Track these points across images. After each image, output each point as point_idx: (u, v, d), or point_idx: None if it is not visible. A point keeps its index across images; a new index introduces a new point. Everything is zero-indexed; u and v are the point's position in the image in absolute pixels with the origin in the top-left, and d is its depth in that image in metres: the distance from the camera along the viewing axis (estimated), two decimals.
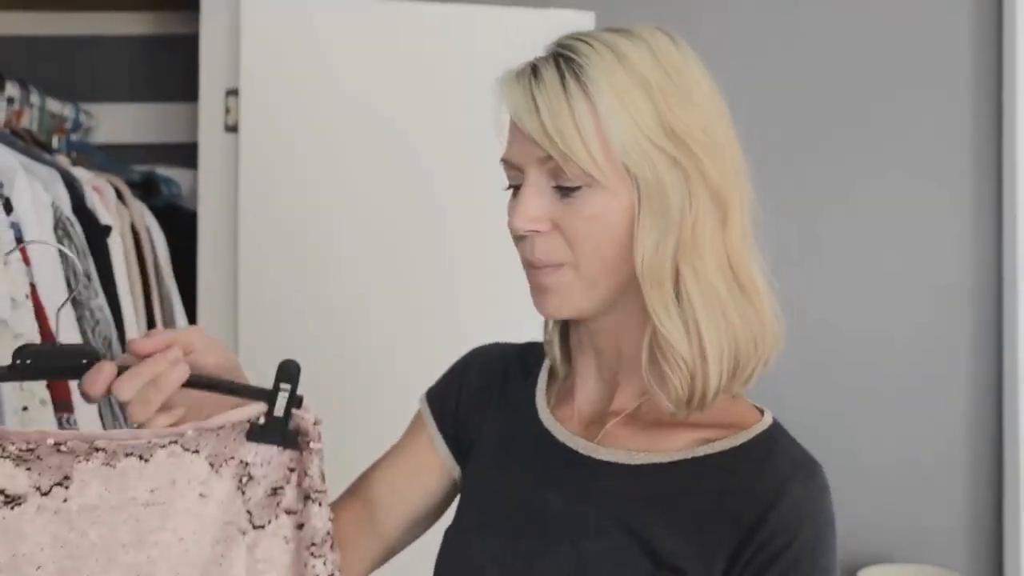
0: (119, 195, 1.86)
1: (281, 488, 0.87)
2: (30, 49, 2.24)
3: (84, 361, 0.83)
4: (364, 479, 1.08)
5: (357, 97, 2.02)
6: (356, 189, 2.02)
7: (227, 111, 2.03)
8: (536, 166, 0.90)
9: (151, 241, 1.92)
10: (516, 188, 0.93)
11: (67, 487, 0.80)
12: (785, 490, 0.87)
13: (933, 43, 2.24)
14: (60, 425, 1.42)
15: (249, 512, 0.86)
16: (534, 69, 0.89)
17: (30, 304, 1.40)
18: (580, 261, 0.90)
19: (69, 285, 1.54)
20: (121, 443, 0.81)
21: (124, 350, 1.73)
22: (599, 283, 0.91)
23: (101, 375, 0.81)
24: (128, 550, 0.82)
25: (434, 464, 1.06)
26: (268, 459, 0.86)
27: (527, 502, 0.97)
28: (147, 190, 2.12)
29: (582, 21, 2.10)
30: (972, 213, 2.23)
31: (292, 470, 0.87)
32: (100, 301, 1.61)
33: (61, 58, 2.26)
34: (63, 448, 0.80)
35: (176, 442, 0.83)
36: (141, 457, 0.82)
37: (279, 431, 0.86)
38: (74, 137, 2.11)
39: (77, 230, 1.62)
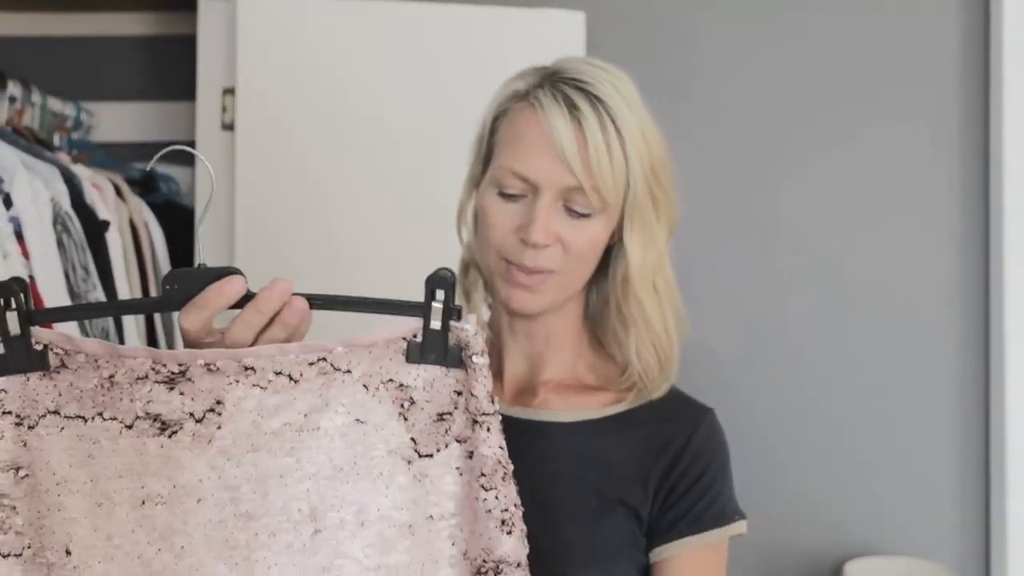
0: (118, 191, 1.90)
1: (448, 414, 0.80)
2: (31, 49, 2.28)
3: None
4: None
5: (352, 95, 2.05)
6: (352, 186, 2.06)
7: (224, 110, 2.07)
8: (556, 189, 1.03)
9: (149, 237, 1.95)
10: (508, 195, 1.05)
11: (220, 413, 0.78)
12: (699, 426, 1.10)
13: (920, 42, 2.27)
14: None
15: (413, 440, 0.80)
16: (569, 101, 1.02)
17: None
18: (569, 274, 1.07)
19: (67, 278, 1.58)
20: (270, 359, 0.79)
21: (122, 343, 1.76)
22: (570, 289, 1.09)
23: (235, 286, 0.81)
24: (284, 480, 0.78)
25: None
26: (431, 382, 0.80)
27: None
28: (146, 187, 2.16)
29: (573, 21, 2.13)
30: (959, 203, 2.26)
31: (459, 393, 0.80)
32: (98, 294, 1.65)
33: (62, 58, 2.30)
34: (213, 367, 0.78)
35: (324, 359, 0.79)
36: (291, 377, 0.79)
37: (439, 348, 0.79)
38: (75, 135, 2.14)
39: (76, 225, 1.65)
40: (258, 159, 2.02)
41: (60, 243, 1.59)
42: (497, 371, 1.14)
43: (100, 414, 0.80)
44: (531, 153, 1.03)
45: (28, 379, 0.80)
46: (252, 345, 0.81)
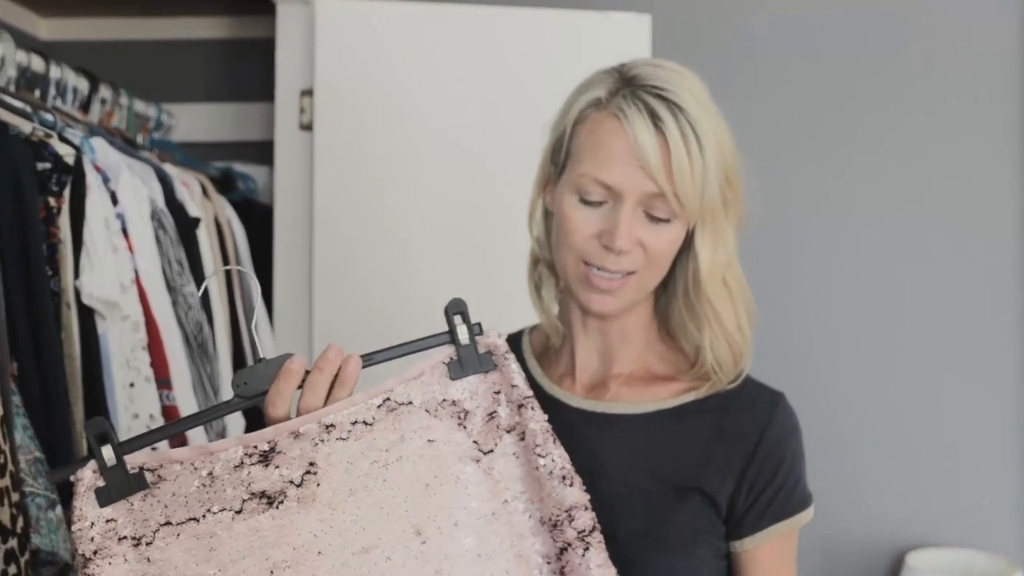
0: (203, 190, 1.97)
1: (495, 412, 0.93)
2: (115, 52, 2.37)
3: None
4: None
5: (425, 96, 2.12)
6: (427, 185, 2.12)
7: (301, 111, 2.14)
8: (638, 196, 1.05)
9: (232, 233, 2.03)
10: (590, 202, 1.07)
11: (315, 472, 0.88)
12: (774, 414, 1.11)
13: (981, 46, 2.29)
14: (160, 401, 1.53)
15: (476, 442, 0.92)
16: (651, 112, 1.04)
17: (135, 289, 1.52)
18: (649, 274, 1.10)
19: (164, 273, 1.65)
20: (344, 413, 0.89)
21: (214, 334, 1.83)
22: (647, 289, 1.12)
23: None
24: (386, 510, 0.89)
25: None
26: (474, 390, 0.93)
27: None
28: (224, 185, 2.24)
29: (640, 23, 2.18)
30: (1019, 187, 2.28)
31: (497, 392, 0.93)
32: (192, 288, 1.72)
33: (143, 61, 2.38)
34: (298, 434, 0.88)
35: (388, 398, 0.90)
36: (365, 422, 0.90)
37: (473, 360, 0.93)
38: (155, 135, 2.22)
39: (169, 221, 1.73)
40: (335, 158, 2.09)
41: (157, 239, 1.66)
42: (569, 366, 1.18)
43: (209, 510, 0.87)
44: (615, 162, 1.05)
45: (132, 503, 0.87)
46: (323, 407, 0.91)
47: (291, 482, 0.87)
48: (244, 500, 0.87)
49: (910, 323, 2.29)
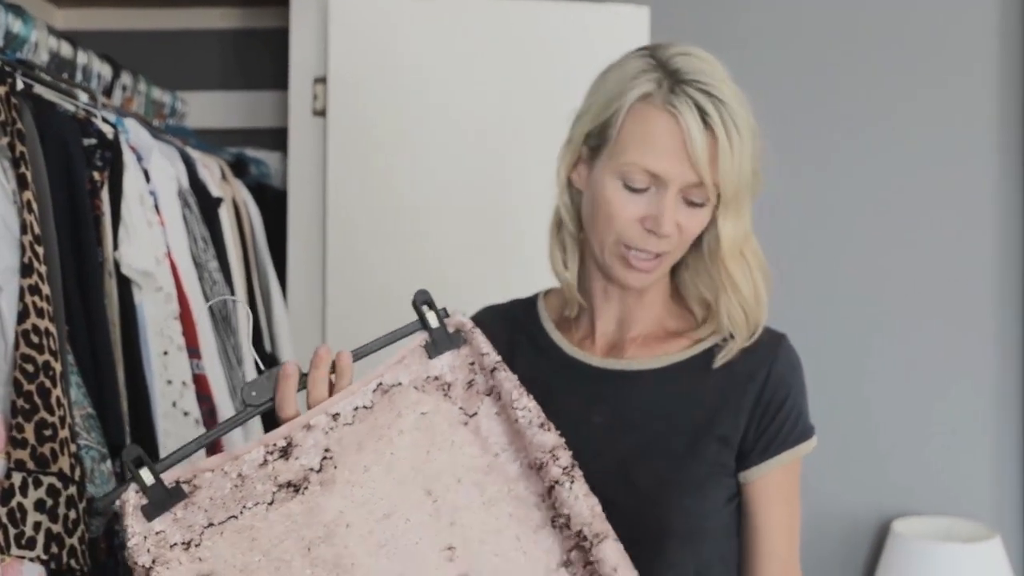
0: (222, 173, 2.05)
1: (472, 380, 1.06)
2: (132, 42, 2.44)
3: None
4: None
5: (437, 84, 2.20)
6: (437, 170, 2.21)
7: (315, 97, 2.23)
8: (681, 184, 1.14)
9: (249, 215, 2.11)
10: (634, 189, 1.16)
11: (330, 456, 1.00)
12: (778, 353, 1.22)
13: (958, 38, 2.39)
14: (191, 369, 1.61)
15: (461, 408, 1.05)
16: (700, 109, 1.12)
17: (167, 263, 1.60)
18: (678, 250, 1.20)
19: (191, 249, 1.73)
20: (346, 402, 1.02)
21: (235, 307, 1.90)
22: (673, 263, 1.22)
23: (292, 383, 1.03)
24: (398, 478, 1.01)
25: None
26: (452, 364, 1.06)
27: (578, 421, 1.18)
28: (237, 170, 2.31)
29: (638, 15, 2.26)
30: (997, 164, 2.38)
31: (472, 363, 1.06)
32: (215, 264, 1.80)
33: (158, 49, 2.45)
34: (310, 426, 1.00)
35: (380, 383, 1.03)
36: (365, 406, 1.02)
37: (444, 338, 1.06)
38: (171, 122, 2.29)
39: (194, 200, 1.81)
40: (348, 144, 2.18)
41: (183, 216, 1.74)
42: (588, 330, 1.27)
43: (244, 506, 0.99)
44: (664, 154, 1.13)
45: (175, 513, 0.98)
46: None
47: (311, 469, 0.99)
48: (274, 492, 0.99)
49: (892, 301, 2.39)
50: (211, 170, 1.97)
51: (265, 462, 0.99)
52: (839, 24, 2.40)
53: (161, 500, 0.98)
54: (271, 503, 0.98)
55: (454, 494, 1.01)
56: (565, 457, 1.03)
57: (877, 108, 2.39)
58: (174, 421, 1.52)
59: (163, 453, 1.48)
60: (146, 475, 0.98)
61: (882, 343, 2.39)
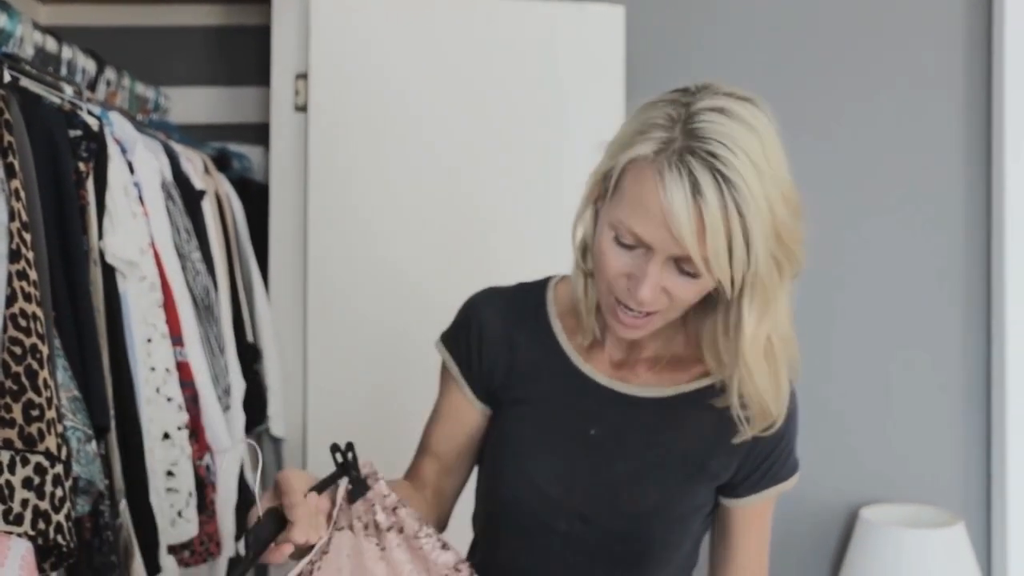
0: (204, 167, 2.09)
1: (377, 521, 1.15)
2: (115, 38, 2.46)
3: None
4: (427, 437, 1.32)
5: (417, 80, 2.25)
6: (418, 164, 2.25)
7: (296, 93, 2.26)
8: (668, 255, 1.06)
9: (231, 208, 2.14)
10: (624, 244, 1.09)
11: None
12: None
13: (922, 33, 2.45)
14: (175, 357, 1.64)
15: (377, 543, 1.15)
16: (692, 180, 1.01)
17: (151, 252, 1.63)
18: (670, 313, 1.13)
19: (174, 240, 1.77)
20: (318, 551, 1.10)
21: (218, 299, 1.93)
22: (670, 320, 1.15)
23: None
24: None
25: (471, 410, 1.29)
26: (366, 508, 1.14)
27: (575, 433, 1.22)
28: (220, 164, 2.34)
29: (613, 14, 2.31)
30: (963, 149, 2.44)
31: (374, 504, 1.15)
32: (199, 255, 1.84)
33: (141, 45, 2.48)
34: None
35: (332, 527, 1.13)
36: (325, 552, 1.12)
37: (360, 483, 1.13)
38: (154, 117, 2.33)
39: (177, 193, 1.84)
40: (329, 139, 2.22)
41: (167, 208, 1.77)
42: (599, 342, 1.24)
43: None
44: (648, 219, 1.04)
45: None
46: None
47: None
48: None
49: (860, 292, 2.44)
50: (194, 164, 2.01)
51: None
52: (816, 23, 2.44)
53: None
54: None
55: None
56: (465, 570, 1.15)
57: (852, 102, 2.44)
58: (158, 407, 1.55)
59: (146, 438, 1.52)
60: None
61: (848, 332, 2.44)
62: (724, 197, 1.01)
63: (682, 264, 1.07)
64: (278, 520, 1.07)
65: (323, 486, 1.12)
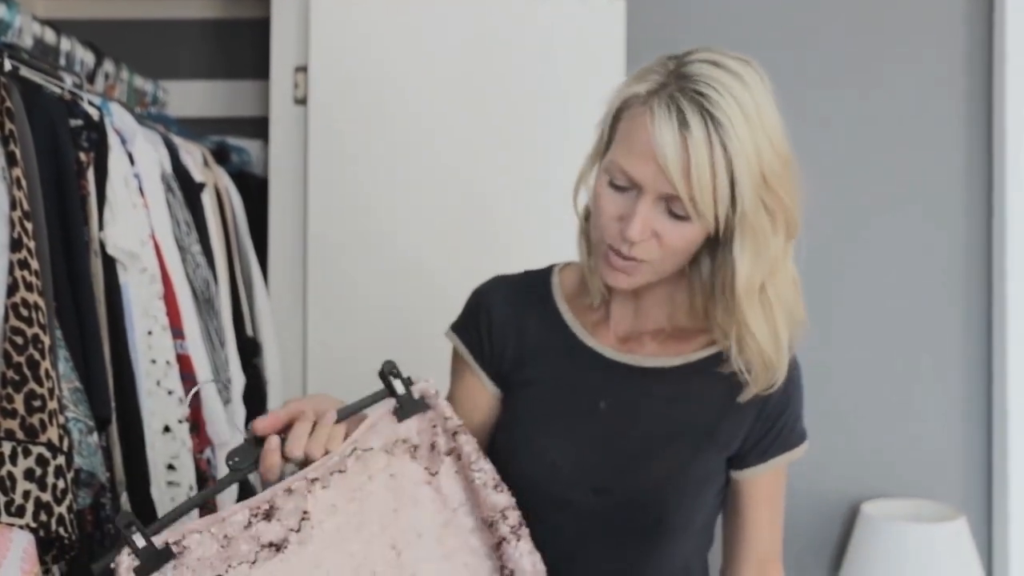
0: (204, 160, 2.08)
1: (435, 442, 1.15)
2: (113, 31, 2.45)
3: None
4: None
5: (417, 74, 2.23)
6: (418, 157, 2.24)
7: (296, 86, 2.26)
8: (658, 193, 1.10)
9: (231, 201, 2.13)
10: (617, 187, 1.13)
11: (308, 517, 1.08)
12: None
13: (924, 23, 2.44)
14: (175, 349, 1.63)
15: (426, 468, 1.13)
16: (680, 116, 1.06)
17: (151, 244, 1.62)
18: (663, 263, 1.15)
19: (174, 233, 1.76)
20: (323, 467, 1.09)
21: (218, 292, 1.92)
22: (662, 275, 1.18)
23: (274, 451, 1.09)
24: (367, 535, 1.10)
25: (484, 394, 1.30)
26: (419, 428, 1.14)
27: (585, 407, 1.23)
28: (219, 158, 2.33)
29: (614, 8, 2.30)
30: (964, 147, 2.43)
31: (435, 426, 1.15)
32: (198, 247, 1.83)
33: (140, 39, 2.47)
34: (290, 491, 1.08)
35: (355, 448, 1.11)
36: (340, 471, 1.10)
37: (410, 404, 1.14)
38: (152, 110, 2.32)
39: (177, 185, 1.83)
40: (329, 132, 2.21)
41: (166, 200, 1.76)
42: (604, 315, 1.26)
43: (230, 565, 1.06)
44: (638, 156, 1.08)
45: (166, 573, 1.04)
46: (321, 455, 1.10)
47: (291, 529, 1.07)
48: (256, 552, 1.06)
49: (862, 287, 2.43)
50: (193, 156, 2.00)
51: (249, 524, 1.07)
52: (817, 21, 2.43)
53: (152, 561, 1.04)
54: (254, 562, 1.06)
55: (416, 548, 1.12)
56: (514, 516, 1.13)
57: (853, 100, 2.43)
58: (158, 399, 1.54)
59: (147, 431, 1.51)
60: (138, 538, 1.04)
61: (849, 327, 2.43)
62: (708, 131, 1.05)
63: (671, 206, 1.10)
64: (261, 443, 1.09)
65: (361, 406, 1.12)
